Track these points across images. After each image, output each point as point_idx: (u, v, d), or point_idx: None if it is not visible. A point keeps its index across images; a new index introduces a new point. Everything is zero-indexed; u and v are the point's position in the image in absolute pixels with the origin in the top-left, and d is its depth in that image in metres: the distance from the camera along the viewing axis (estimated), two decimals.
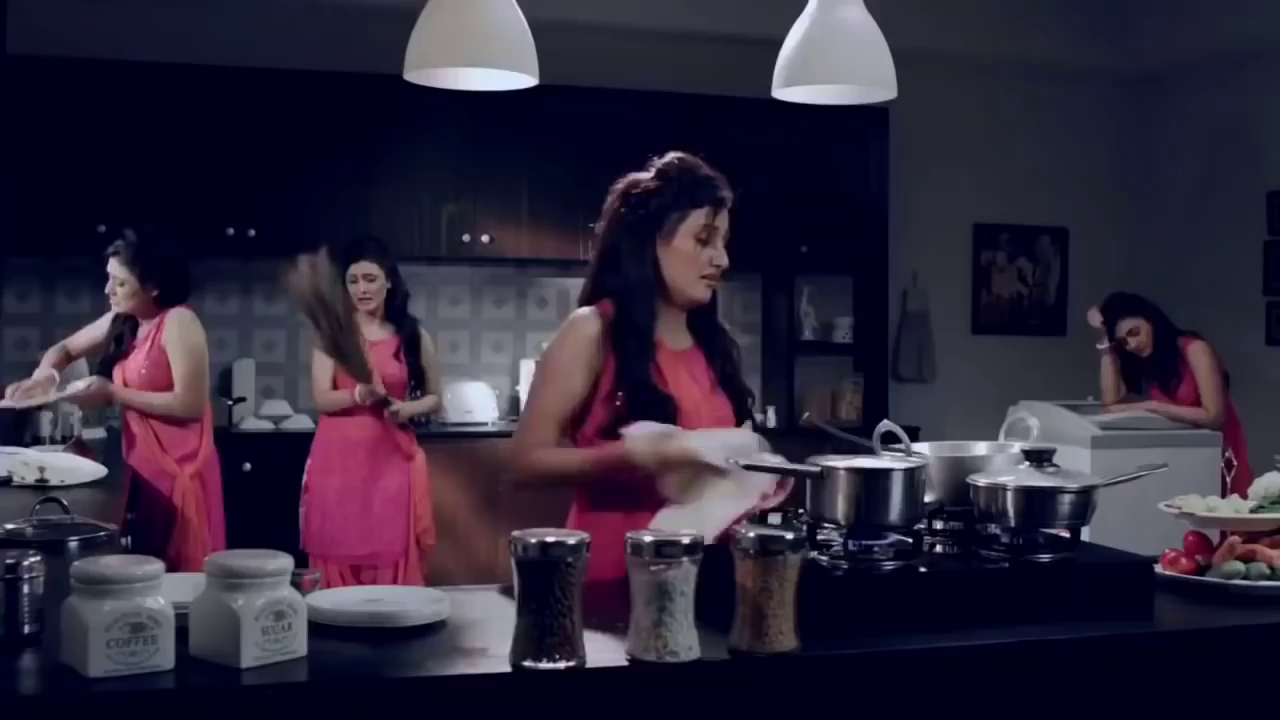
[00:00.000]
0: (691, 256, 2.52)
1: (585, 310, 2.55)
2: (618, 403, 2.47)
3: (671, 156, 2.59)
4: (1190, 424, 5.32)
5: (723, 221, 2.55)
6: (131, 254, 4.26)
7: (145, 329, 4.35)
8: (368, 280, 4.75)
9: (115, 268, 4.30)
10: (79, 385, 4.30)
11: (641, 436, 2.40)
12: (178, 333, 4.28)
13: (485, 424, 6.10)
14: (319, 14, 6.03)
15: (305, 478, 4.80)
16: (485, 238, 6.13)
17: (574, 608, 1.77)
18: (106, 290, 4.35)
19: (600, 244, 2.59)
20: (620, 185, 2.59)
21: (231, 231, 5.75)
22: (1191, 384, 5.39)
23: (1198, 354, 5.38)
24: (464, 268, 6.48)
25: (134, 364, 4.31)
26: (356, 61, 5.77)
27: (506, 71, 2.68)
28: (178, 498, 4.23)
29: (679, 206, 2.52)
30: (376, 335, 4.79)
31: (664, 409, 2.46)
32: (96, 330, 4.53)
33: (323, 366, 4.76)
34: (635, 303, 2.51)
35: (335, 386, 4.77)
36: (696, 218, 2.51)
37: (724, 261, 2.55)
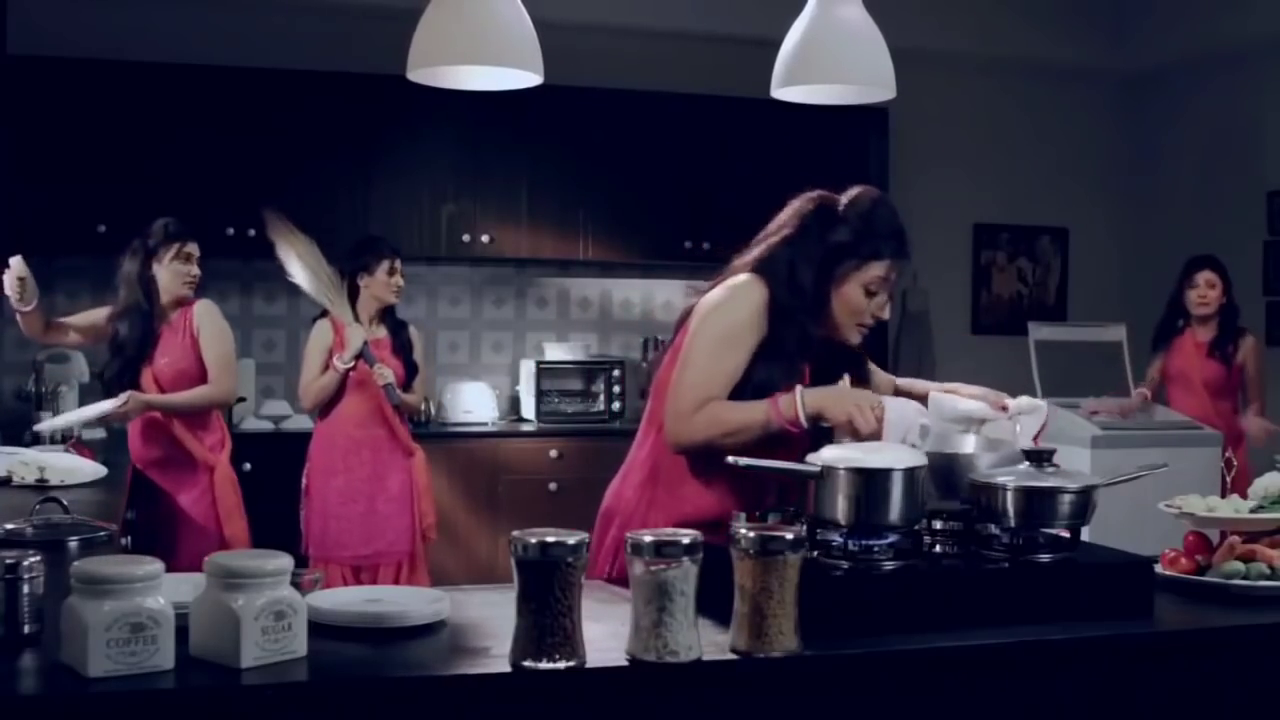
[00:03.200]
0: (857, 305, 2.50)
1: (748, 276, 2.49)
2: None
3: (859, 191, 2.53)
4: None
5: (897, 274, 2.51)
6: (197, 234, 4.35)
7: (171, 322, 4.32)
8: (403, 277, 4.84)
9: (195, 247, 4.33)
10: (108, 404, 4.18)
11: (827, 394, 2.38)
12: (210, 320, 4.33)
13: (485, 424, 6.10)
14: (319, 14, 6.04)
15: (305, 481, 4.79)
16: (485, 238, 6.13)
17: (574, 608, 1.77)
18: (191, 276, 4.30)
19: (766, 250, 2.52)
20: (804, 203, 2.54)
21: (231, 231, 5.75)
22: (1238, 371, 5.43)
23: (1252, 346, 5.43)
24: (464, 268, 6.48)
25: (164, 360, 4.28)
26: (356, 61, 5.78)
27: (511, 70, 2.68)
28: (219, 487, 4.24)
29: (860, 255, 2.47)
30: (379, 334, 4.80)
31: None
32: (95, 315, 4.45)
33: (312, 359, 4.77)
34: (791, 337, 2.46)
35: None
36: (874, 269, 2.48)
37: (886, 315, 2.53)
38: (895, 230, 2.50)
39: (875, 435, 2.31)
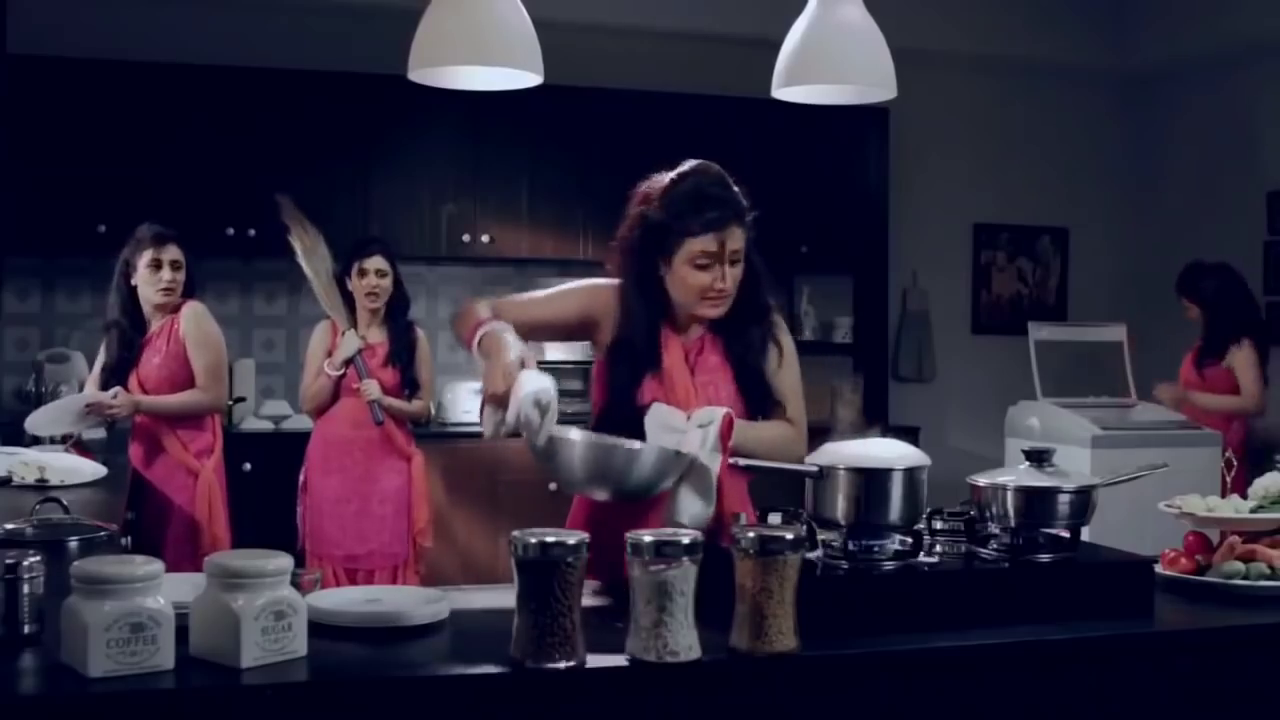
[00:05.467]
0: (688, 283, 2.45)
1: (602, 282, 2.58)
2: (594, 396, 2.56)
3: (683, 169, 2.51)
4: (1229, 411, 5.33)
5: (731, 243, 2.44)
6: (179, 236, 4.25)
7: (156, 325, 4.30)
8: (379, 275, 4.69)
9: (174, 250, 4.23)
10: (102, 394, 4.16)
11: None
12: (196, 326, 4.27)
13: None
14: (319, 14, 6.04)
15: (302, 479, 4.79)
16: (485, 238, 6.13)
17: (574, 608, 1.77)
18: (167, 280, 4.21)
19: (617, 249, 2.56)
20: (636, 191, 2.54)
21: (231, 231, 5.75)
22: (1225, 377, 5.39)
23: (1245, 351, 5.38)
24: (464, 268, 6.48)
25: (149, 364, 4.26)
26: (356, 61, 5.78)
27: (511, 70, 2.68)
28: (202, 494, 4.22)
29: (677, 231, 2.44)
30: (375, 338, 4.76)
31: (631, 423, 2.38)
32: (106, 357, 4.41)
33: (311, 363, 4.76)
34: (635, 326, 2.49)
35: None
36: (694, 244, 2.43)
37: (725, 286, 2.46)
38: (715, 199, 2.44)
39: (502, 401, 2.27)
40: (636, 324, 2.50)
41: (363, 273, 4.70)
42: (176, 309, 4.30)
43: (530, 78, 2.70)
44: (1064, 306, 7.48)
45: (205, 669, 1.72)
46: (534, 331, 2.52)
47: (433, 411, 6.03)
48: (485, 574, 5.56)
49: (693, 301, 2.48)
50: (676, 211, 2.45)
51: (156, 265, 4.22)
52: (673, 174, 2.51)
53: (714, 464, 2.27)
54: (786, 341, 2.63)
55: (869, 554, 2.08)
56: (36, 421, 4.26)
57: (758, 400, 2.54)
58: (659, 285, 2.50)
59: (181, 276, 4.26)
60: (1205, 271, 5.55)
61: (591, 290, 2.58)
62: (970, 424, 6.88)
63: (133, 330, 4.31)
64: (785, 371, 2.60)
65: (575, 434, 2.25)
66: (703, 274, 2.44)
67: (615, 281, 2.56)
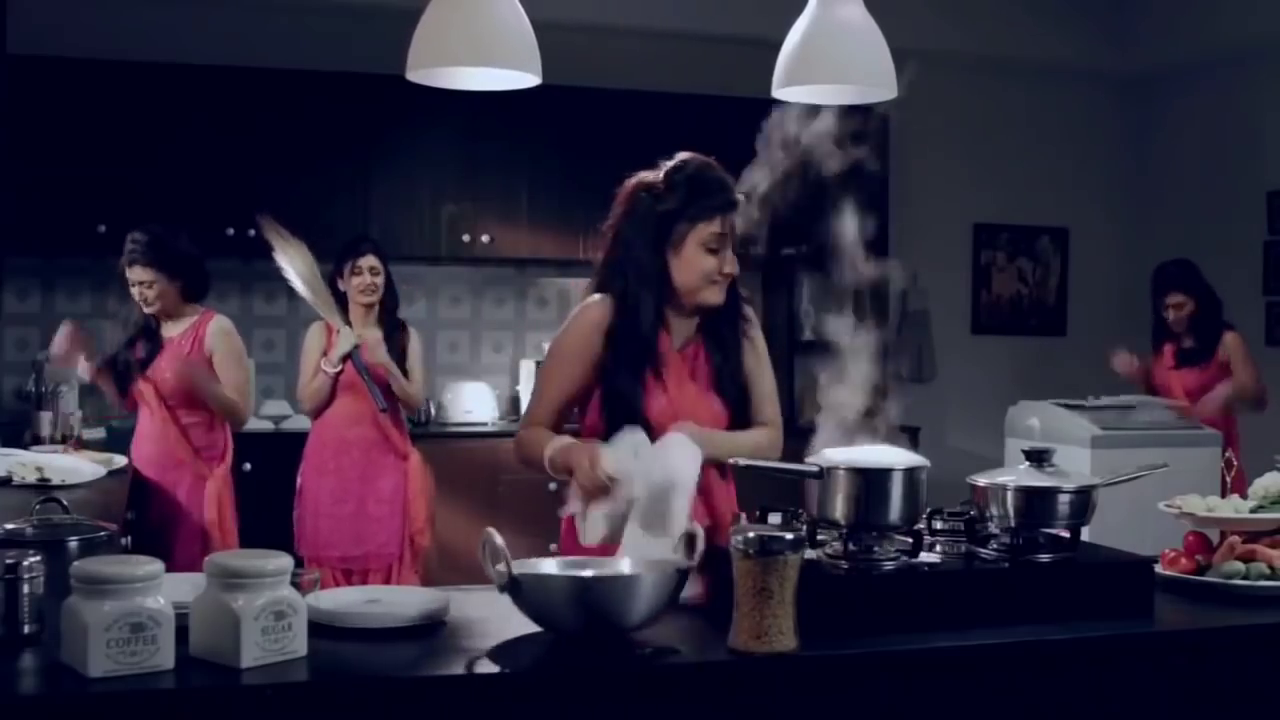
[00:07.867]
0: (700, 267, 2.51)
1: (596, 297, 2.56)
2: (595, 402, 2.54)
3: (682, 159, 2.58)
4: (1235, 400, 5.27)
5: (734, 227, 2.53)
6: (150, 253, 4.20)
7: (177, 331, 4.27)
8: (373, 274, 4.74)
9: (139, 272, 4.21)
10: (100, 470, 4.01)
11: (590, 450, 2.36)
12: (225, 341, 4.27)
13: (485, 424, 6.10)
14: (319, 14, 6.04)
15: (299, 480, 4.79)
16: (485, 238, 6.13)
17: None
18: (136, 298, 4.22)
19: (607, 243, 2.58)
20: (629, 185, 2.58)
21: (231, 231, 5.75)
22: (1216, 371, 5.36)
23: (1236, 341, 5.34)
24: (464, 268, 6.48)
25: (161, 369, 4.23)
26: (356, 61, 5.77)
27: (509, 70, 2.68)
28: (211, 500, 4.20)
29: (687, 216, 2.50)
30: (369, 334, 4.77)
31: (636, 423, 2.42)
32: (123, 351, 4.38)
33: (306, 363, 4.77)
34: (639, 314, 2.51)
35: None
36: (705, 228, 2.50)
37: (733, 269, 2.54)
38: (718, 184, 2.53)
39: (596, 490, 2.31)
40: (643, 314, 2.51)
41: (356, 271, 4.73)
42: (200, 317, 4.29)
43: (528, 78, 2.70)
44: (1064, 307, 7.48)
45: (205, 669, 1.73)
46: (571, 405, 2.58)
47: (433, 411, 6.05)
48: (485, 574, 5.55)
49: (700, 286, 2.51)
50: (687, 197, 2.51)
51: (134, 281, 4.23)
52: (670, 164, 2.57)
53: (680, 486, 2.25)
54: (758, 337, 2.68)
55: (869, 554, 2.08)
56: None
57: (739, 408, 2.59)
58: (660, 276, 2.52)
59: (154, 291, 4.21)
60: (1187, 267, 5.46)
61: (583, 323, 2.55)
62: (970, 424, 6.88)
63: (150, 332, 4.30)
64: (762, 372, 2.65)
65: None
66: (712, 258, 2.51)
67: (596, 297, 2.56)
